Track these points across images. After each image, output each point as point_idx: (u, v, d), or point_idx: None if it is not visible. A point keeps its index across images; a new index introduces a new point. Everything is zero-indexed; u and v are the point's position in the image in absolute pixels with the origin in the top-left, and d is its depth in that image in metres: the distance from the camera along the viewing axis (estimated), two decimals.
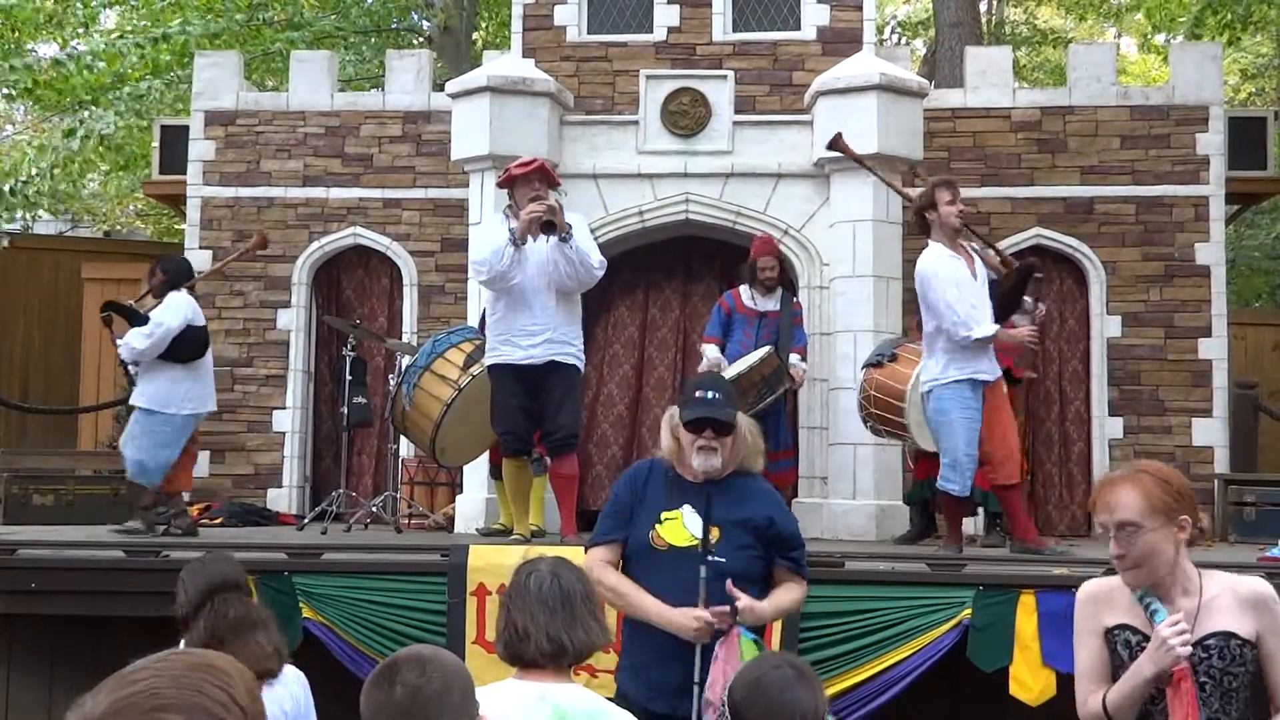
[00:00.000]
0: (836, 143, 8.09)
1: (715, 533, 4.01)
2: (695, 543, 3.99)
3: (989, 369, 6.75)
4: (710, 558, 3.95)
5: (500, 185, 6.99)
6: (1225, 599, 3.01)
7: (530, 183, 6.60)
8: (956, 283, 6.65)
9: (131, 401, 7.98)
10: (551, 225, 6.47)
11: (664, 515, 4.07)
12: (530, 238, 6.57)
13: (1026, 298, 7.16)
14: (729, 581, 3.86)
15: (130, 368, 8.06)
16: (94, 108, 13.30)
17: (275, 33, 15.68)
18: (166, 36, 13.60)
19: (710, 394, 4.11)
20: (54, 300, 14.64)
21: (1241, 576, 3.13)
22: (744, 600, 3.87)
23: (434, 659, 2.52)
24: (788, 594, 4.15)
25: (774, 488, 4.44)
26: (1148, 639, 2.98)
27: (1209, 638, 2.97)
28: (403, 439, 10.00)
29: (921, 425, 7.43)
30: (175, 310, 7.88)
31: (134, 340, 7.80)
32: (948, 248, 6.79)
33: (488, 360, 7.05)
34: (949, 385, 6.71)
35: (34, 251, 15.30)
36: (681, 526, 4.04)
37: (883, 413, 7.90)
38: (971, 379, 6.69)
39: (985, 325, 6.64)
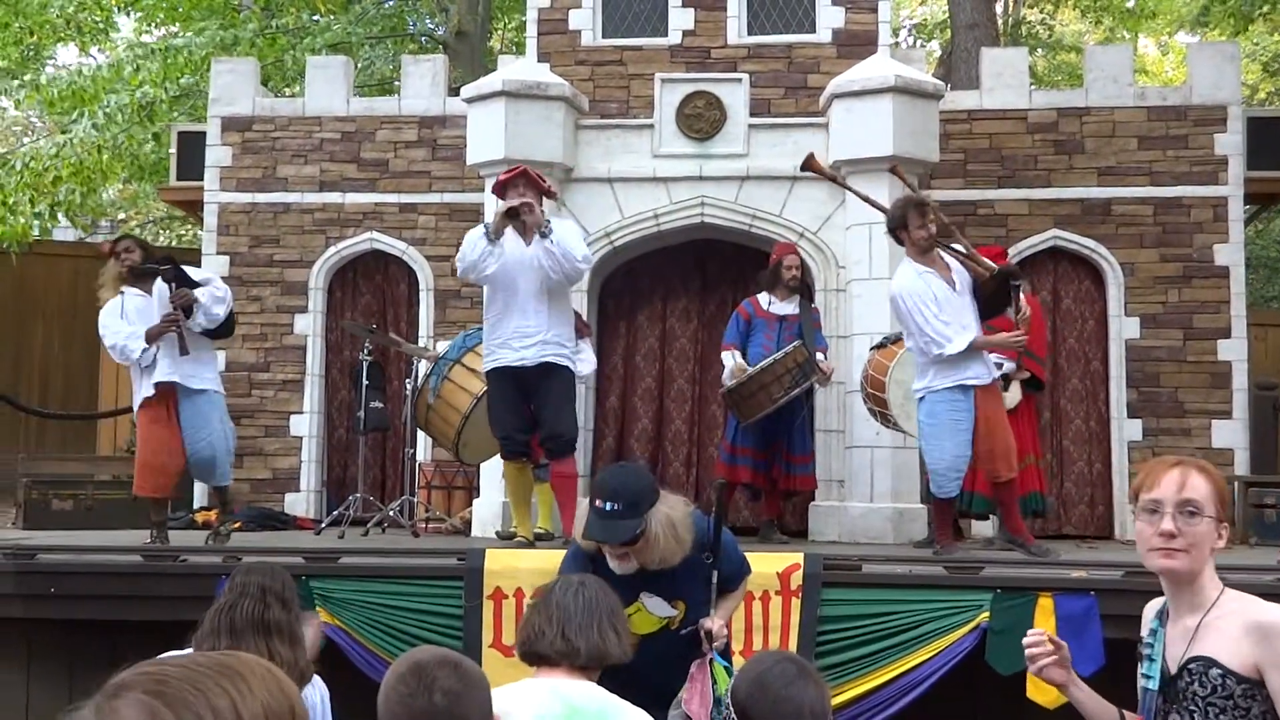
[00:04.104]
0: (809, 164, 7.93)
1: (681, 606, 4.10)
2: (663, 623, 4.06)
3: (978, 373, 6.91)
4: (684, 630, 4.08)
5: (494, 193, 7.16)
6: (1229, 622, 2.70)
7: (516, 187, 6.83)
8: (932, 299, 6.86)
9: (197, 385, 7.15)
10: (515, 214, 6.70)
11: (625, 611, 4.01)
12: (506, 231, 6.79)
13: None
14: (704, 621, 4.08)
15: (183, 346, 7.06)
16: (100, 102, 13.37)
17: (290, 41, 15.74)
18: (181, 49, 13.67)
19: (609, 505, 3.87)
20: (73, 306, 14.71)
21: (1266, 604, 2.77)
22: (710, 626, 4.04)
23: (461, 661, 2.55)
24: (727, 602, 4.35)
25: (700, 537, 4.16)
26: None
27: (1191, 662, 2.72)
28: (420, 443, 10.04)
29: (903, 406, 7.72)
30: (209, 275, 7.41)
31: (214, 307, 7.07)
32: (918, 263, 6.99)
33: (485, 365, 7.11)
34: (939, 392, 6.91)
35: (52, 257, 15.41)
36: (646, 615, 4.04)
37: (873, 390, 8.08)
38: (961, 384, 6.88)
39: (959, 339, 6.81)
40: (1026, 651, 2.93)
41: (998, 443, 6.91)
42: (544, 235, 6.73)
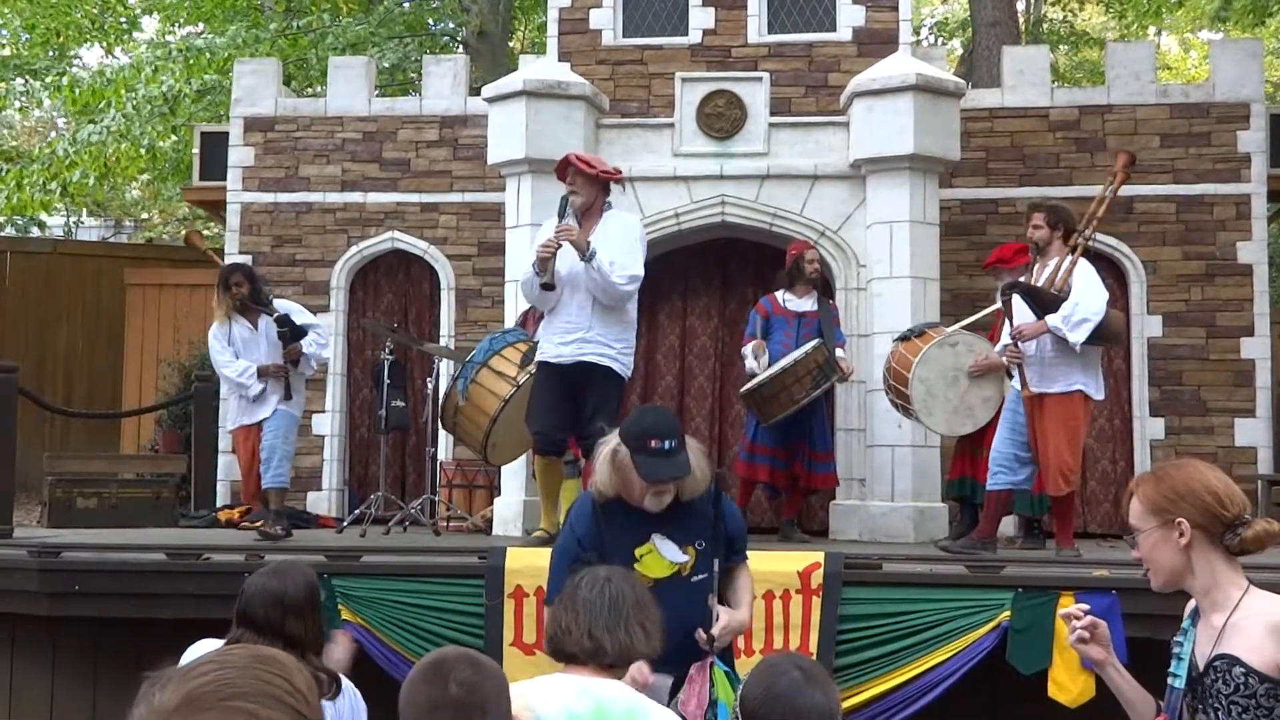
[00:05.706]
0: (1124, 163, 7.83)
1: (691, 552, 4.08)
2: (675, 569, 4.05)
3: (1018, 381, 7.11)
4: (694, 578, 4.05)
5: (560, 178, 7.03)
6: (1254, 622, 2.72)
7: (566, 178, 6.76)
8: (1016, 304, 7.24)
9: (290, 410, 7.93)
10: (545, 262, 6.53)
11: (638, 552, 4.04)
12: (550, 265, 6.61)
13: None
14: (712, 598, 4.00)
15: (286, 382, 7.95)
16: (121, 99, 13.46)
17: (311, 42, 15.80)
18: (204, 50, 13.74)
19: (666, 443, 3.95)
20: (97, 306, 14.84)
21: None
22: (722, 621, 3.98)
23: (480, 658, 2.61)
24: (747, 588, 4.32)
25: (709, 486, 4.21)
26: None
27: (1216, 660, 2.74)
28: (440, 442, 10.07)
29: (925, 402, 7.76)
30: (308, 314, 8.17)
31: (321, 352, 8.06)
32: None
33: (537, 356, 7.10)
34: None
35: (78, 258, 15.54)
36: (659, 558, 4.04)
37: (896, 384, 8.03)
38: (1014, 388, 7.18)
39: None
40: (1063, 616, 3.06)
41: (1047, 456, 6.94)
42: (587, 260, 6.51)
